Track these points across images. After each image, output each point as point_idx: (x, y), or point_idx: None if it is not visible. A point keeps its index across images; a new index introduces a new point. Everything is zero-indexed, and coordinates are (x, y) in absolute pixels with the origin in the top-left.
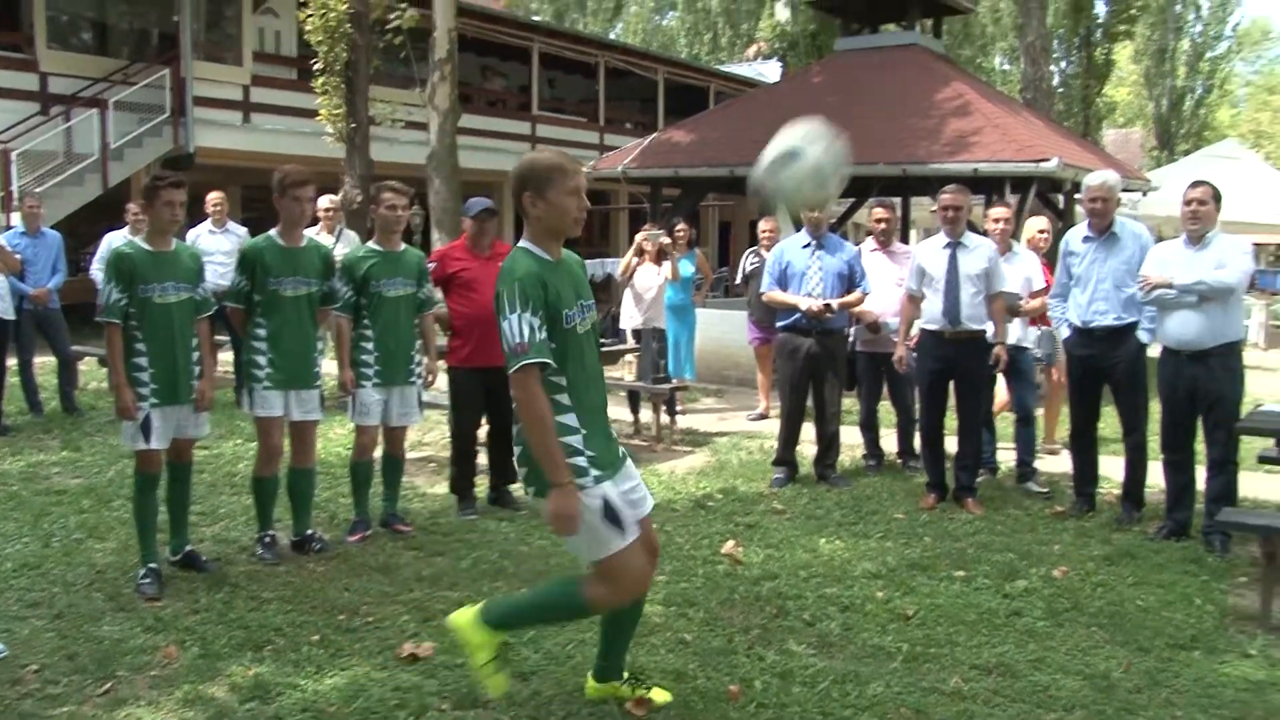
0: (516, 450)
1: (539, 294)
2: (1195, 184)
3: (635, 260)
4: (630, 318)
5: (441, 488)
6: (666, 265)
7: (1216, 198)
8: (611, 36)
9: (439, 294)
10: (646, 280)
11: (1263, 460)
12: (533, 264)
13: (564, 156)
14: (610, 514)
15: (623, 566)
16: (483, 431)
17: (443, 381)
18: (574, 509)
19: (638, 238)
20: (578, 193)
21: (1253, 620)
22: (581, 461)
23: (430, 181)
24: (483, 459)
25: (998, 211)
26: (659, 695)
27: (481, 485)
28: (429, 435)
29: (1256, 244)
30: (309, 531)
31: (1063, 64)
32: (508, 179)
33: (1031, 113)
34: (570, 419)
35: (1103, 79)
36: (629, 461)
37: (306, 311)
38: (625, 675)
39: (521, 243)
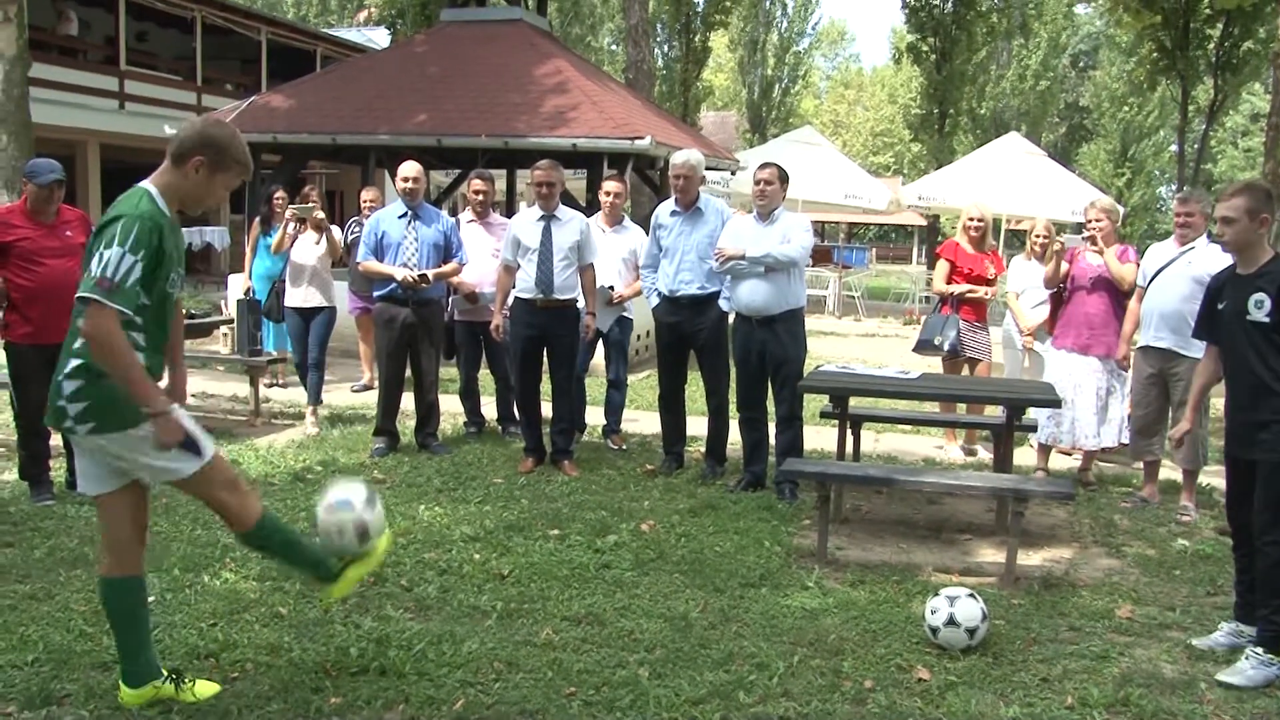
0: (69, 386)
1: (153, 242)
2: (764, 165)
3: (294, 229)
4: (296, 295)
5: (10, 474)
6: (325, 237)
7: (783, 178)
8: None
9: None
10: (305, 254)
11: (824, 415)
12: (157, 211)
13: (248, 153)
14: (186, 439)
15: (212, 481)
16: None
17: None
18: (177, 423)
19: (292, 209)
20: (231, 187)
21: (812, 557)
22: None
23: None
24: (56, 440)
25: (610, 185)
26: (204, 689)
27: (58, 469)
28: None
29: (828, 223)
30: None
31: (665, 48)
32: (91, 140)
33: (630, 92)
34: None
35: (700, 64)
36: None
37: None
38: (166, 674)
39: (150, 185)
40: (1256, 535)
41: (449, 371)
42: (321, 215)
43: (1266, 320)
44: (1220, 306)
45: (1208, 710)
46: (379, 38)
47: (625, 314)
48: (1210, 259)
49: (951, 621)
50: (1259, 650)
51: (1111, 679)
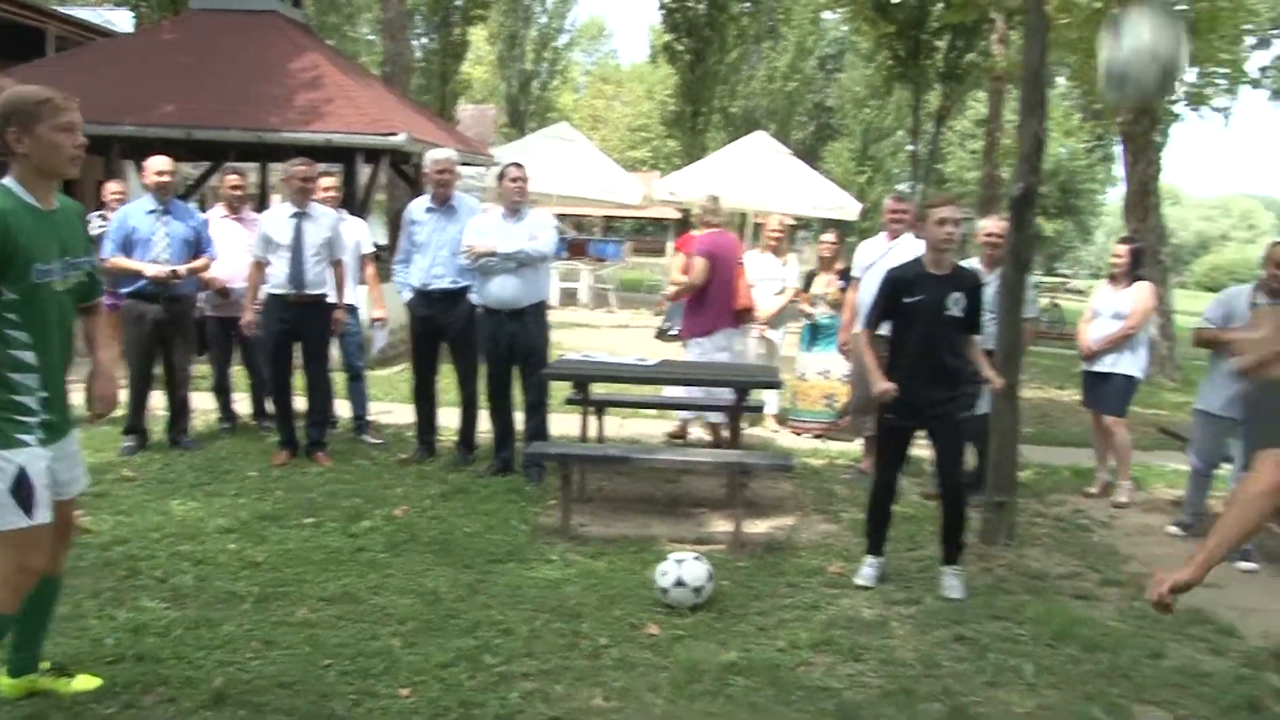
0: None
1: None
2: (517, 164)
3: None
4: None
5: None
6: None
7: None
8: None
9: None
10: None
11: (569, 402)
12: (6, 203)
13: (54, 90)
14: (22, 488)
15: (18, 545)
16: None
17: None
18: None
19: None
20: (72, 129)
21: (556, 533)
22: (32, 421)
23: None
24: None
25: (327, 180)
26: (86, 682)
27: None
28: None
29: (584, 216)
30: None
31: (424, 40)
32: None
33: (387, 87)
34: (33, 379)
35: (459, 57)
36: (73, 436)
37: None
38: (44, 666)
39: (5, 180)
40: (945, 481)
41: (201, 368)
42: None
43: (960, 316)
44: (910, 300)
45: (895, 643)
46: (119, 20)
47: (352, 304)
48: (914, 253)
49: (679, 583)
50: (953, 567)
51: (819, 624)
